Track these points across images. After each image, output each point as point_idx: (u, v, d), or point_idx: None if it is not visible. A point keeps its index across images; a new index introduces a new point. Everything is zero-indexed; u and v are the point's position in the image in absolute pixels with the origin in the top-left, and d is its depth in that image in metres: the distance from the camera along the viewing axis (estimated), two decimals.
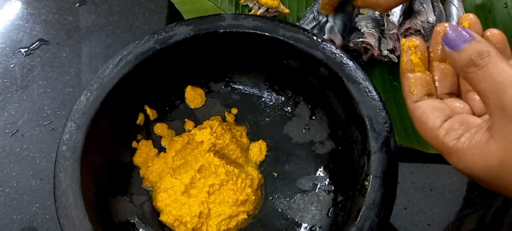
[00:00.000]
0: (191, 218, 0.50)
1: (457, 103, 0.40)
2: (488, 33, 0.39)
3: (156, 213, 0.52)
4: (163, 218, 0.50)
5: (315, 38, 0.50)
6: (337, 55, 0.49)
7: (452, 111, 0.39)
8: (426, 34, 0.62)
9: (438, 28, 0.40)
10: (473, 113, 0.40)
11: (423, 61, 0.41)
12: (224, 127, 0.54)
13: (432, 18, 0.63)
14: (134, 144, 0.54)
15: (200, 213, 0.50)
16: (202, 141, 0.53)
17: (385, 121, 0.46)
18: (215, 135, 0.53)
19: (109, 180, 0.50)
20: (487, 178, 0.34)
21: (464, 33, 0.35)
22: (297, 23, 0.66)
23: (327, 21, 0.64)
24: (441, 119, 0.37)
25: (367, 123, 0.46)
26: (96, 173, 0.48)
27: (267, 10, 0.66)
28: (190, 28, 0.51)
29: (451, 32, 0.35)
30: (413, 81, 0.40)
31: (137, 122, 0.55)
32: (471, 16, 0.40)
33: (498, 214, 0.55)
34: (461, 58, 0.34)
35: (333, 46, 0.50)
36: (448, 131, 0.36)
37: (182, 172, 0.52)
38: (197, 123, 0.57)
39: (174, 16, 0.67)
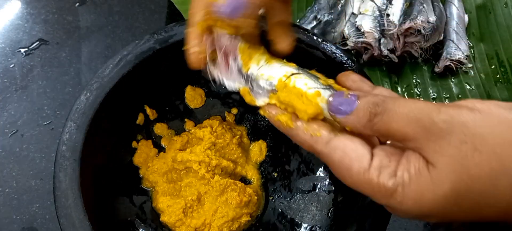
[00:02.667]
0: (193, 220, 0.50)
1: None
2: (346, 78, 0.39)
3: (156, 213, 0.52)
4: (164, 218, 0.50)
5: (315, 38, 0.50)
6: (337, 55, 0.49)
7: (368, 143, 0.34)
8: (426, 34, 0.62)
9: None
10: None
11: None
12: (224, 126, 0.54)
13: (432, 18, 0.63)
14: (134, 144, 0.54)
15: (204, 220, 0.50)
16: (201, 139, 0.53)
17: None
18: (215, 133, 0.53)
19: (109, 180, 0.50)
20: (441, 208, 0.30)
21: (348, 97, 0.34)
22: (297, 23, 0.67)
23: (327, 20, 0.64)
24: (367, 157, 0.33)
25: None
26: (96, 173, 0.48)
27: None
28: None
29: (335, 102, 0.34)
30: (310, 125, 0.36)
31: (137, 122, 0.54)
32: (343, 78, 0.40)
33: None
34: (359, 118, 0.33)
35: (333, 47, 0.50)
36: (380, 170, 0.32)
37: (186, 174, 0.52)
38: (197, 122, 0.57)
39: (174, 16, 0.67)
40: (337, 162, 0.33)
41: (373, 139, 0.37)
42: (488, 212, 0.30)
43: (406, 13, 0.64)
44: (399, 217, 0.34)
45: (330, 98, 0.35)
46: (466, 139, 0.29)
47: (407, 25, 0.62)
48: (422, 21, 0.62)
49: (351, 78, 0.40)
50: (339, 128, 0.36)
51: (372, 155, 0.33)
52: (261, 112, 0.40)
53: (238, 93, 0.57)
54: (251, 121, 0.57)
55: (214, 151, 0.52)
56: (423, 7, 0.63)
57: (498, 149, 0.29)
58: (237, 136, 0.55)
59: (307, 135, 0.35)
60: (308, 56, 0.50)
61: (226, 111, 0.57)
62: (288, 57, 0.52)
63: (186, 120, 0.56)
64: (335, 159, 0.33)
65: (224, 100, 0.57)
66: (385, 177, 0.31)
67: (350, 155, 0.33)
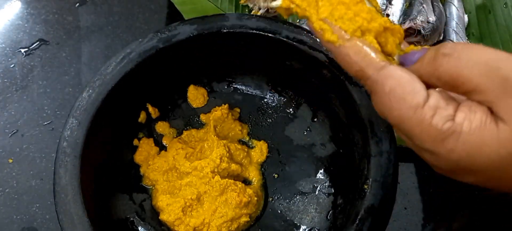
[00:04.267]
0: (192, 219, 0.50)
1: None
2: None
3: (155, 211, 0.52)
4: (163, 217, 0.50)
5: (318, 40, 0.50)
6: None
7: (423, 84, 0.31)
8: (426, 34, 0.63)
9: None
10: None
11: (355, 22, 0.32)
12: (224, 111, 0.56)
13: (432, 18, 0.63)
14: (135, 142, 0.54)
15: (203, 219, 0.50)
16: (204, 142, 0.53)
17: (386, 124, 0.46)
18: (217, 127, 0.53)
19: (109, 177, 0.50)
20: (496, 169, 0.28)
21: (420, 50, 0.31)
22: (298, 23, 0.67)
23: None
24: (422, 94, 0.29)
25: (368, 126, 0.46)
26: (96, 170, 0.48)
27: (267, 10, 0.66)
28: (194, 27, 0.51)
29: (410, 53, 0.31)
30: (364, 45, 0.31)
31: (139, 120, 0.55)
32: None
33: (498, 210, 0.56)
34: (424, 59, 0.30)
35: None
36: (436, 110, 0.29)
37: (186, 173, 0.52)
38: (199, 122, 0.57)
39: (174, 16, 0.67)
40: (387, 91, 0.29)
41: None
42: None
43: (406, 13, 0.64)
44: (435, 171, 0.31)
45: (407, 50, 0.31)
46: None
47: (407, 25, 0.63)
48: (421, 21, 0.62)
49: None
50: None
51: (428, 94, 0.29)
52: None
53: (240, 93, 0.58)
54: (253, 121, 0.57)
55: (220, 151, 0.52)
56: (423, 7, 0.64)
57: None
58: (237, 130, 0.55)
59: (360, 55, 0.31)
60: (310, 58, 0.50)
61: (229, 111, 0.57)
62: (288, 56, 0.52)
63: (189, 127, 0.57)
64: (386, 88, 0.30)
65: (227, 100, 0.57)
66: (440, 119, 0.28)
67: (404, 87, 0.29)
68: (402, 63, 0.31)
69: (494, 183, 0.29)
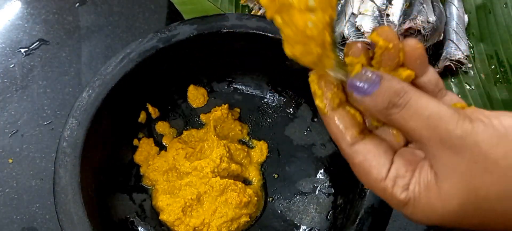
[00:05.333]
0: (192, 219, 0.50)
1: (390, 132, 0.35)
2: (407, 47, 0.34)
3: (155, 211, 0.52)
4: (163, 217, 0.50)
5: None
6: (340, 57, 0.49)
7: (391, 149, 0.34)
8: (426, 34, 0.63)
9: (349, 62, 0.34)
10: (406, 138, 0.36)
11: (338, 94, 0.35)
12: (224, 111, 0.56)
13: (432, 18, 0.63)
14: (135, 141, 0.54)
15: (203, 219, 0.50)
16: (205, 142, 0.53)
17: None
18: (217, 127, 0.53)
19: (109, 177, 0.50)
20: (449, 221, 0.31)
21: (370, 75, 0.32)
22: None
23: None
24: (386, 167, 0.33)
25: None
26: (96, 170, 0.48)
27: None
28: (194, 27, 0.51)
29: (355, 78, 0.32)
30: (341, 120, 0.34)
31: (139, 120, 0.55)
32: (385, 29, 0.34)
33: None
34: (377, 102, 0.31)
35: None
36: (395, 180, 0.32)
37: (186, 173, 0.52)
38: (199, 122, 0.57)
39: (174, 16, 0.67)
40: (357, 165, 0.33)
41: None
42: (497, 228, 0.31)
43: (406, 13, 0.64)
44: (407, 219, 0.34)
45: (352, 74, 0.33)
46: (478, 159, 0.29)
47: (407, 25, 0.63)
48: (422, 21, 0.62)
49: (389, 37, 0.34)
50: (374, 127, 0.35)
51: (391, 163, 0.33)
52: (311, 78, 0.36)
53: (240, 93, 0.58)
54: (253, 121, 0.57)
55: (220, 151, 0.52)
56: (423, 7, 0.64)
57: (510, 172, 0.29)
58: (237, 130, 0.55)
59: (338, 128, 0.34)
60: None
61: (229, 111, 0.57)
62: None
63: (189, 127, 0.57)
64: (355, 162, 0.33)
65: (227, 100, 0.57)
66: (398, 189, 0.32)
67: (370, 162, 0.33)
68: (354, 89, 0.32)
69: (463, 227, 0.32)
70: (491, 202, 0.29)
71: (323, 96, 0.35)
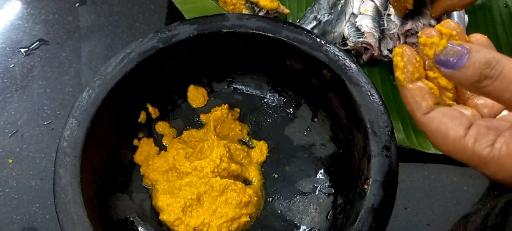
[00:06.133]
0: (192, 219, 0.50)
1: (465, 111, 0.35)
2: (473, 39, 0.36)
3: (155, 211, 0.52)
4: (163, 217, 0.50)
5: (318, 40, 0.50)
6: (340, 57, 0.49)
7: (468, 118, 0.34)
8: None
9: (423, 42, 0.35)
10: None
11: (419, 69, 0.36)
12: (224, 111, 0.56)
13: (434, 20, 0.63)
14: (135, 142, 0.54)
15: (203, 219, 0.50)
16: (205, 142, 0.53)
17: (386, 124, 0.46)
18: (217, 127, 0.53)
19: (109, 177, 0.50)
20: None
21: (458, 48, 0.31)
22: (297, 23, 0.67)
23: (327, 20, 0.64)
24: (463, 126, 0.32)
25: (368, 126, 0.46)
26: (96, 170, 0.48)
27: (267, 12, 0.66)
28: (194, 27, 0.51)
29: (442, 53, 0.32)
30: (418, 91, 0.35)
31: (139, 120, 0.55)
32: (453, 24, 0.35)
33: (501, 214, 0.56)
34: (467, 76, 0.31)
35: (336, 49, 0.50)
36: (476, 138, 0.31)
37: (186, 173, 0.52)
38: (199, 122, 0.57)
39: (174, 16, 0.67)
40: (433, 130, 0.33)
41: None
42: None
43: (408, 15, 0.64)
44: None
45: (438, 49, 0.33)
46: None
47: (408, 26, 0.63)
48: (423, 24, 0.62)
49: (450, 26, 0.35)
50: (449, 101, 0.35)
51: (470, 124, 0.32)
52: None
53: (240, 93, 0.58)
54: (253, 121, 0.57)
55: (220, 151, 0.52)
56: (426, 9, 0.63)
57: None
58: (237, 130, 0.55)
59: (414, 98, 0.34)
60: (310, 58, 0.50)
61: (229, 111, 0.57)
62: (288, 56, 0.52)
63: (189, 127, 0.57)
64: (431, 128, 0.33)
65: (227, 101, 0.57)
66: (481, 145, 0.31)
67: (447, 123, 0.32)
68: (442, 65, 0.32)
69: None
70: None
71: (404, 68, 0.35)
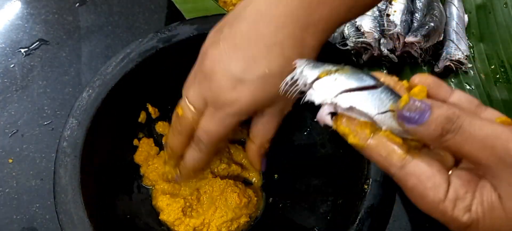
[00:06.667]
0: (192, 219, 0.50)
1: (437, 153, 0.34)
2: (416, 81, 0.35)
3: (155, 211, 0.52)
4: (163, 217, 0.50)
5: None
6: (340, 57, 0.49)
7: (444, 167, 0.33)
8: (425, 34, 0.63)
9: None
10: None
11: (367, 125, 0.34)
12: None
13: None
14: (135, 141, 0.54)
15: (203, 219, 0.50)
16: None
17: None
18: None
19: (109, 177, 0.50)
20: None
21: (420, 104, 0.31)
22: None
23: None
24: (443, 188, 0.31)
25: None
26: (96, 170, 0.48)
27: None
28: (194, 27, 0.51)
29: (405, 109, 0.32)
30: (382, 147, 0.33)
31: (139, 120, 0.55)
32: (417, 81, 0.35)
33: None
34: (430, 131, 0.31)
35: (336, 49, 0.50)
36: (455, 202, 0.31)
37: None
38: None
39: (174, 16, 0.67)
40: (410, 188, 0.32)
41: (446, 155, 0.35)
42: None
43: (409, 11, 0.64)
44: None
45: (400, 105, 0.32)
46: None
47: (411, 39, 0.63)
48: (423, 35, 0.62)
49: (427, 82, 0.35)
50: (414, 145, 0.34)
51: (448, 183, 0.32)
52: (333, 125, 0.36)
53: None
54: None
55: (220, 151, 0.52)
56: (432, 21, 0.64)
57: None
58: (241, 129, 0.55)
59: (382, 156, 0.33)
60: None
61: None
62: None
63: None
64: (408, 185, 0.32)
65: None
66: (460, 211, 0.30)
67: (425, 184, 0.31)
68: (405, 120, 0.32)
69: None
70: None
71: (353, 133, 0.34)
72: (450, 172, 0.33)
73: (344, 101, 0.34)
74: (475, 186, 0.31)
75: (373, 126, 0.34)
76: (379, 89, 0.34)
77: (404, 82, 0.36)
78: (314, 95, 0.35)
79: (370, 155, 0.34)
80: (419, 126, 0.31)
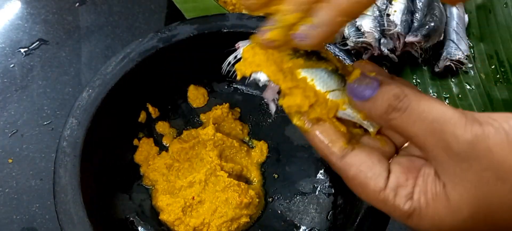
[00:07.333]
0: (192, 219, 0.50)
1: (376, 141, 0.34)
2: (356, 64, 0.35)
3: (155, 211, 0.52)
4: (163, 217, 0.50)
5: None
6: (340, 57, 0.49)
7: (384, 157, 0.33)
8: (425, 34, 0.63)
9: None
10: (394, 144, 0.35)
11: (315, 109, 0.34)
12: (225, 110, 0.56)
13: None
14: (135, 141, 0.54)
15: (203, 219, 0.50)
16: (205, 142, 0.53)
17: None
18: (216, 125, 0.54)
19: (109, 177, 0.50)
20: (463, 229, 0.30)
21: (369, 79, 0.31)
22: None
23: None
24: (383, 176, 0.31)
25: None
26: (96, 170, 0.48)
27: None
28: (194, 27, 0.51)
29: (354, 83, 0.32)
30: (325, 135, 0.33)
31: (139, 120, 0.55)
32: (363, 63, 0.35)
33: None
34: (376, 107, 0.31)
35: (336, 49, 0.50)
36: (396, 190, 0.30)
37: (186, 173, 0.52)
38: (199, 122, 0.57)
39: (174, 16, 0.67)
40: (351, 178, 0.32)
41: (392, 138, 0.35)
42: None
43: (409, 11, 0.64)
44: None
45: (351, 79, 0.32)
46: (490, 166, 0.28)
47: (411, 39, 0.62)
48: (423, 35, 0.62)
49: (367, 68, 0.35)
50: (359, 135, 0.34)
51: (388, 172, 0.31)
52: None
53: (241, 93, 0.58)
54: (253, 121, 0.57)
55: (221, 151, 0.52)
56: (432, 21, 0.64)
57: None
58: (238, 130, 0.55)
59: (323, 143, 0.33)
60: None
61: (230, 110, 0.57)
62: None
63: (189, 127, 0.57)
64: (349, 175, 0.32)
65: (227, 100, 0.57)
66: (401, 199, 0.30)
67: (366, 173, 0.31)
68: (354, 94, 0.32)
69: None
70: (505, 211, 0.28)
71: (299, 115, 0.34)
72: (390, 160, 0.33)
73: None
74: (416, 172, 0.31)
75: (322, 114, 0.34)
76: (330, 69, 0.34)
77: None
78: (260, 74, 0.35)
79: (312, 140, 0.33)
80: (366, 101, 0.31)
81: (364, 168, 0.31)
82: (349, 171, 0.32)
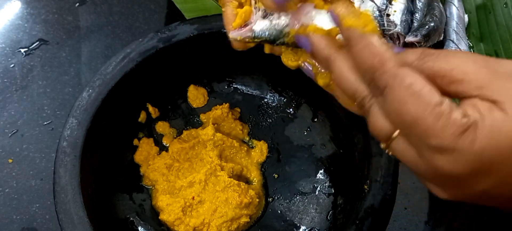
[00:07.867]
0: (192, 219, 0.50)
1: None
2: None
3: (155, 211, 0.52)
4: (163, 217, 0.50)
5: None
6: None
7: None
8: (425, 33, 0.63)
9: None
10: None
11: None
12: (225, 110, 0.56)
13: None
14: (135, 141, 0.54)
15: (203, 219, 0.50)
16: (205, 142, 0.53)
17: None
18: (216, 125, 0.54)
19: (109, 177, 0.50)
20: None
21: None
22: None
23: None
24: (438, 92, 0.30)
25: None
26: (96, 170, 0.48)
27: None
28: (194, 27, 0.51)
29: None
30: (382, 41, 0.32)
31: (139, 120, 0.55)
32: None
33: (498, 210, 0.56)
34: (408, 55, 0.31)
35: None
36: (451, 106, 0.29)
37: (187, 173, 0.52)
38: (199, 122, 0.57)
39: (174, 16, 0.67)
40: (407, 85, 0.30)
41: None
42: None
43: (409, 11, 0.64)
44: (450, 173, 0.30)
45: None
46: None
47: (411, 39, 0.62)
48: (423, 35, 0.62)
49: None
50: None
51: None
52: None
53: (241, 93, 0.58)
54: (253, 121, 0.57)
55: (221, 151, 0.52)
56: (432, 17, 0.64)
57: None
58: (238, 130, 0.55)
59: (382, 47, 0.31)
60: None
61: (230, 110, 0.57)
62: None
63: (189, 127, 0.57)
64: (406, 81, 0.30)
65: (227, 101, 0.57)
66: (458, 114, 0.29)
67: (423, 84, 0.29)
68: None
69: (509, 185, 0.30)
70: None
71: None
72: None
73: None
74: (462, 105, 0.30)
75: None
76: None
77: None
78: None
79: (370, 43, 0.32)
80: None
81: (421, 81, 0.30)
82: (406, 77, 0.30)
